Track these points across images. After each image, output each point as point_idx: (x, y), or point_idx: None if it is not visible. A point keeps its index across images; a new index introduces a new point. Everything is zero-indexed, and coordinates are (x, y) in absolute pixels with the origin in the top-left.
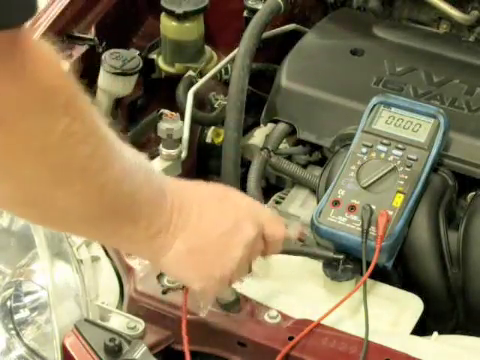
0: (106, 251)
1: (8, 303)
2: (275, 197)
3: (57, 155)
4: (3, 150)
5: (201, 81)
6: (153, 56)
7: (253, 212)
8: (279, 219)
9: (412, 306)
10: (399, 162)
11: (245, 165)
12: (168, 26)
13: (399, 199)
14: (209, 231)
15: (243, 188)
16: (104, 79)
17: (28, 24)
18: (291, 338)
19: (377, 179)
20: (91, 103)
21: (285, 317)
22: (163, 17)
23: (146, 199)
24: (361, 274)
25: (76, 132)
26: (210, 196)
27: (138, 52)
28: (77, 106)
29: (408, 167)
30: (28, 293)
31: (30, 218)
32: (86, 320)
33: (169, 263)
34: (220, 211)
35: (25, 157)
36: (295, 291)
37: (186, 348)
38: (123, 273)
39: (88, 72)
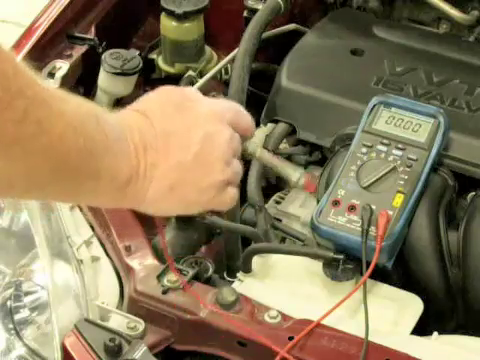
0: (106, 251)
1: (8, 303)
2: (275, 197)
3: None
4: None
5: (201, 81)
6: (153, 56)
7: (217, 113)
8: (238, 107)
9: (412, 306)
10: (399, 162)
11: (245, 165)
12: (168, 26)
13: (399, 199)
14: (182, 157)
15: (243, 188)
16: (104, 79)
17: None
18: (291, 338)
19: (377, 179)
20: (15, 60)
21: (285, 317)
22: (163, 17)
23: (103, 150)
24: (361, 274)
25: (0, 99)
26: (168, 115)
27: (138, 52)
28: (2, 70)
29: (408, 167)
30: (28, 293)
31: None
32: (86, 320)
33: (151, 205)
34: (185, 128)
35: None
36: (295, 291)
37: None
38: (123, 273)
39: (88, 72)
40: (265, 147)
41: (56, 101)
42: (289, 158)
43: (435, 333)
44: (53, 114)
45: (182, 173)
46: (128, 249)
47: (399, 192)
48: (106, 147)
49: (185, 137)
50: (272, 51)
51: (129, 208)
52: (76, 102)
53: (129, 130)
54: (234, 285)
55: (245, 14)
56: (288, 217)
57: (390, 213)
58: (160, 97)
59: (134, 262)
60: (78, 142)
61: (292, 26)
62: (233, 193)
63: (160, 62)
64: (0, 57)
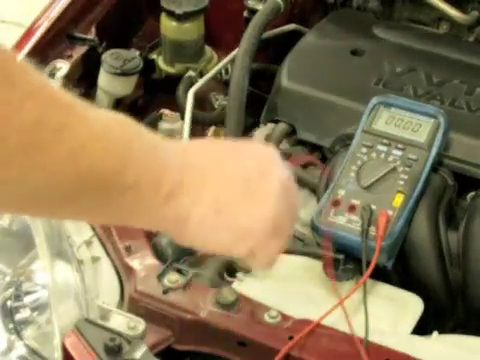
0: (106, 251)
1: (8, 303)
2: None
3: None
4: None
5: (201, 81)
6: (153, 56)
7: (274, 151)
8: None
9: (412, 306)
10: (399, 162)
11: None
12: (168, 26)
13: (399, 199)
14: (231, 180)
15: None
16: (104, 79)
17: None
18: (291, 338)
19: (377, 179)
20: (27, 64)
21: (285, 317)
22: (163, 17)
23: (136, 157)
24: (361, 274)
25: (8, 100)
26: (222, 151)
27: (138, 52)
28: (5, 68)
29: (408, 167)
30: (28, 293)
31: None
32: (86, 320)
33: (194, 232)
34: (238, 160)
35: None
36: (295, 291)
37: None
38: (123, 273)
39: (88, 72)
40: None
41: (76, 106)
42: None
43: (435, 333)
44: (74, 120)
45: (230, 194)
46: (128, 249)
47: (399, 192)
48: (139, 155)
49: (237, 165)
50: (272, 51)
51: (174, 236)
52: (105, 112)
53: (176, 152)
54: (234, 285)
55: (245, 14)
56: None
57: (390, 213)
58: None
59: (134, 262)
60: (108, 149)
61: (292, 26)
62: (277, 248)
63: (160, 62)
64: (4, 56)
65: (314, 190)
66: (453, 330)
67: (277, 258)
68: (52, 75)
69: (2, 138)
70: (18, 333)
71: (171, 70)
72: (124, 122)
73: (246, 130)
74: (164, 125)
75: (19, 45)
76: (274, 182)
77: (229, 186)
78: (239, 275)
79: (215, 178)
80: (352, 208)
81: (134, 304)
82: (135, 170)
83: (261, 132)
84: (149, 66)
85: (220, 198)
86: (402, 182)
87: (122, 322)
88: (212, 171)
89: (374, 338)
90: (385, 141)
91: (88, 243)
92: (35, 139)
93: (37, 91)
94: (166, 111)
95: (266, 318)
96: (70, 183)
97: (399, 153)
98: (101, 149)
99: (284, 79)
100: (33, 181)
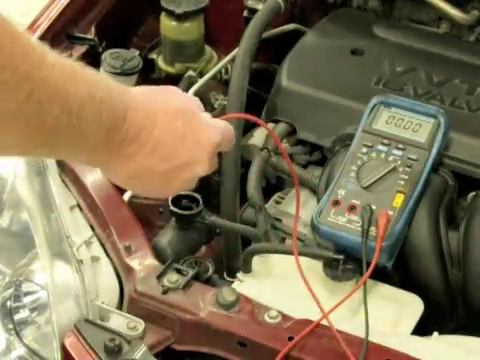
0: (106, 251)
1: (8, 303)
2: (275, 197)
3: None
4: None
5: (201, 81)
6: (153, 56)
7: (212, 143)
8: (229, 127)
9: (412, 306)
10: (399, 162)
11: (245, 165)
12: (168, 26)
13: (399, 199)
14: (156, 165)
15: (243, 188)
16: None
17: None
18: (291, 338)
19: (377, 179)
20: (29, 40)
21: (285, 317)
22: (163, 17)
23: (95, 111)
24: (361, 274)
25: (6, 81)
26: (173, 130)
27: (138, 52)
28: (6, 52)
29: (408, 167)
30: (28, 293)
31: None
32: (86, 320)
33: (115, 178)
34: (176, 151)
35: None
36: (295, 291)
37: None
38: (123, 273)
39: None
40: (265, 147)
41: (63, 82)
42: (289, 158)
43: (435, 333)
44: (61, 91)
45: (146, 176)
46: (128, 249)
47: (399, 192)
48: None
49: (171, 153)
50: (272, 51)
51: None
52: (88, 73)
53: (130, 115)
54: (234, 285)
55: (245, 14)
56: (288, 217)
57: (390, 213)
58: (171, 104)
59: (134, 262)
60: (79, 117)
61: (292, 26)
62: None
63: (160, 62)
64: (12, 38)
65: (314, 190)
66: (454, 331)
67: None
68: None
69: None
70: (18, 333)
71: (171, 70)
72: (103, 86)
73: (246, 130)
74: None
75: None
76: (186, 179)
77: (150, 167)
78: (239, 275)
79: (146, 154)
80: (352, 208)
81: (134, 304)
82: (96, 106)
83: (261, 132)
84: (149, 66)
85: (136, 172)
86: (402, 182)
87: (122, 322)
88: (148, 148)
89: (374, 338)
90: (385, 141)
91: (88, 243)
92: (20, 111)
93: (33, 72)
94: None
95: (266, 318)
96: (34, 140)
97: (399, 153)
98: (73, 119)
99: (284, 79)
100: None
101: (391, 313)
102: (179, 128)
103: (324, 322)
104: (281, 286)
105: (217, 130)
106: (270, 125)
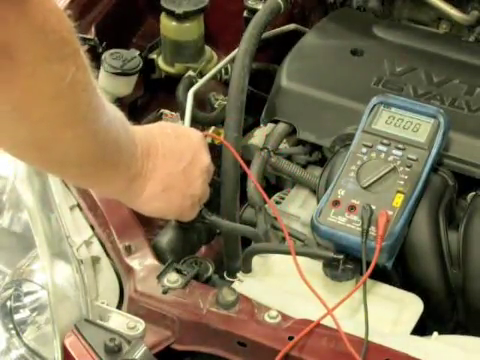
0: (106, 251)
1: (8, 303)
2: (275, 197)
3: (66, 100)
4: (23, 93)
5: (201, 81)
6: (153, 56)
7: (203, 142)
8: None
9: (412, 306)
10: (399, 162)
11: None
12: (168, 26)
13: (399, 199)
14: (174, 168)
15: (243, 188)
16: (104, 79)
17: None
18: (291, 338)
19: (377, 179)
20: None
21: (285, 317)
22: (163, 17)
23: (124, 146)
24: (361, 274)
25: (80, 81)
26: (168, 136)
27: (138, 52)
28: (80, 57)
29: (408, 167)
30: (28, 293)
31: (35, 161)
32: (86, 320)
33: (145, 202)
34: (179, 149)
35: (41, 101)
36: (295, 291)
37: None
38: (123, 273)
39: None
40: (265, 147)
41: (103, 97)
42: (289, 158)
43: (435, 333)
44: (103, 106)
45: (173, 180)
46: (128, 249)
47: (399, 192)
48: (126, 145)
49: (178, 154)
50: (272, 51)
51: (127, 203)
52: (108, 102)
53: (139, 140)
54: (234, 285)
55: (245, 14)
56: (288, 217)
57: (390, 213)
58: (160, 128)
59: (134, 262)
60: (112, 134)
61: (292, 26)
62: (196, 211)
63: (160, 62)
64: (82, 51)
65: (314, 190)
66: (454, 331)
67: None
68: None
69: (73, 108)
70: (18, 333)
71: (171, 70)
72: (119, 116)
73: (246, 130)
74: None
75: None
76: (200, 169)
77: (171, 172)
78: (239, 275)
79: (162, 165)
80: (352, 208)
81: (134, 304)
82: (121, 152)
83: (261, 132)
84: (149, 66)
85: (166, 182)
86: (402, 182)
87: (122, 322)
88: (160, 159)
89: (374, 338)
90: (385, 141)
91: (88, 243)
92: (87, 113)
93: (92, 80)
94: (166, 111)
95: (266, 318)
96: (88, 152)
97: (399, 153)
98: (110, 134)
99: (284, 79)
100: (71, 146)
101: (391, 313)
102: (170, 132)
103: (324, 322)
104: (281, 286)
105: (192, 129)
106: (270, 125)
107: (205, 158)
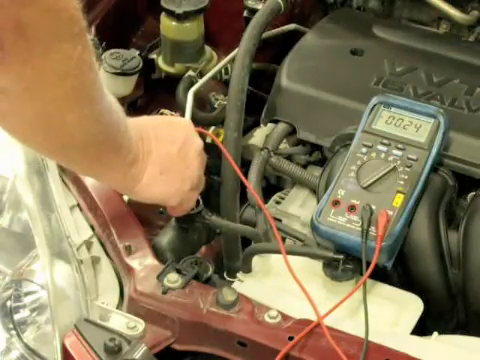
0: (106, 251)
1: (8, 303)
2: (275, 197)
3: (73, 80)
4: (36, 72)
5: (201, 81)
6: (153, 56)
7: (192, 127)
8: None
9: (412, 306)
10: (399, 162)
11: (245, 165)
12: (168, 26)
13: (399, 199)
14: (168, 149)
15: (243, 188)
16: (104, 79)
17: None
18: (291, 338)
19: (377, 179)
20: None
21: (285, 317)
22: (163, 17)
23: (123, 128)
24: (361, 274)
25: (86, 60)
26: (160, 123)
27: (138, 52)
28: (86, 36)
29: (408, 167)
30: (28, 293)
31: (40, 146)
32: (86, 320)
33: (144, 188)
34: (171, 133)
35: (51, 80)
36: (295, 291)
37: None
38: (123, 273)
39: None
40: (265, 147)
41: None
42: (289, 158)
43: (435, 333)
44: (104, 89)
45: (169, 162)
46: (128, 249)
47: (399, 192)
48: (125, 130)
49: (171, 137)
50: (272, 51)
51: (127, 191)
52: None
53: (131, 126)
54: (234, 285)
55: (245, 14)
56: (288, 217)
57: (390, 213)
58: (152, 117)
59: (134, 262)
60: (114, 117)
61: (292, 26)
62: (195, 197)
63: (160, 62)
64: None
65: (314, 190)
66: (454, 331)
67: (194, 202)
68: None
69: (80, 88)
70: (18, 333)
71: (171, 70)
72: (115, 101)
73: (246, 130)
74: None
75: None
76: (195, 150)
77: (167, 155)
78: (239, 275)
79: (157, 148)
80: (352, 208)
81: (134, 304)
82: (121, 137)
83: (261, 132)
84: (149, 66)
85: (163, 164)
86: (402, 182)
87: (122, 322)
88: (154, 142)
89: (374, 338)
90: (385, 141)
91: (88, 243)
92: (92, 93)
93: (95, 61)
94: (166, 111)
95: (266, 318)
96: (91, 134)
97: (399, 153)
98: (113, 117)
99: (284, 79)
100: (76, 127)
101: (391, 313)
102: (158, 119)
103: (324, 322)
104: (281, 286)
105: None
106: (270, 125)
107: (197, 140)
